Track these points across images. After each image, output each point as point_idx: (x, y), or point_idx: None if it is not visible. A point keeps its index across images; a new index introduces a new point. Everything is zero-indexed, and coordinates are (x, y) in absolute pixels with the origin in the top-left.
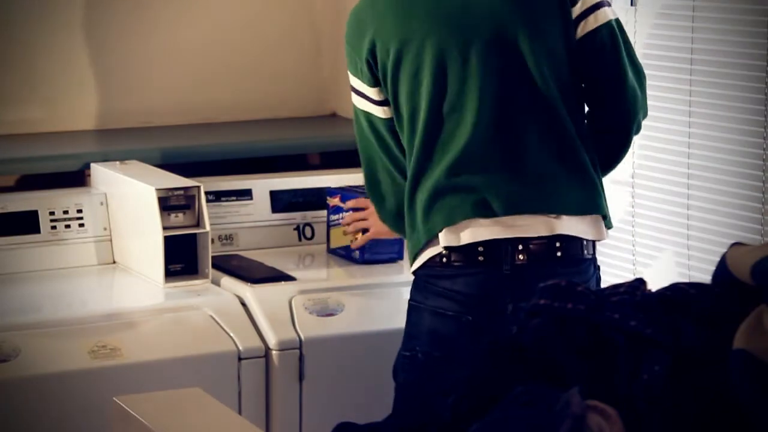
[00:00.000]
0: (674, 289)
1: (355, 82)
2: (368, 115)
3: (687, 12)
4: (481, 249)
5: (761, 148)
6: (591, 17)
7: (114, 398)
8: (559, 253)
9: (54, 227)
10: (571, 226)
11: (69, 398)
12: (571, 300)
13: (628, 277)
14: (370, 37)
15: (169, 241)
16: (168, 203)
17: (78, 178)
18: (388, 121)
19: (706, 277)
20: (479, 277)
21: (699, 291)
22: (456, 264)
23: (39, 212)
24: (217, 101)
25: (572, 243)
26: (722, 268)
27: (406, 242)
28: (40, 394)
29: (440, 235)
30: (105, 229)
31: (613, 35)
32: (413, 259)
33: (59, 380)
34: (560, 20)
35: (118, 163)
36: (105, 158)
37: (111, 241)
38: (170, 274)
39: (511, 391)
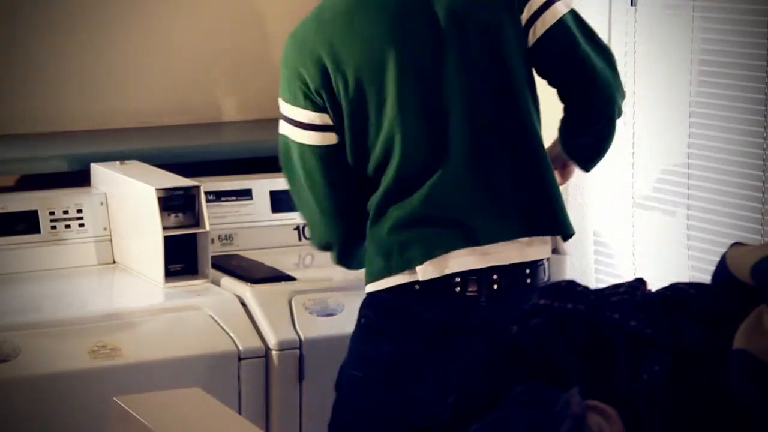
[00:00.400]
0: (674, 289)
1: (292, 111)
2: (302, 152)
3: (687, 12)
4: (458, 280)
5: (761, 148)
6: (539, 21)
7: (114, 398)
8: (528, 280)
9: (54, 227)
10: (538, 249)
11: (69, 398)
12: (571, 300)
13: (628, 277)
14: (321, 64)
15: (169, 241)
16: (168, 203)
17: (78, 178)
18: (325, 150)
19: (706, 277)
20: (454, 307)
21: (699, 291)
22: (430, 292)
23: (39, 212)
24: (217, 101)
25: (538, 268)
26: (722, 268)
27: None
28: (40, 394)
29: (418, 268)
30: (105, 229)
31: (566, 32)
32: (374, 279)
33: (59, 380)
34: (514, 32)
35: (118, 163)
36: (105, 158)
37: (111, 241)
38: (170, 274)
39: (511, 391)
